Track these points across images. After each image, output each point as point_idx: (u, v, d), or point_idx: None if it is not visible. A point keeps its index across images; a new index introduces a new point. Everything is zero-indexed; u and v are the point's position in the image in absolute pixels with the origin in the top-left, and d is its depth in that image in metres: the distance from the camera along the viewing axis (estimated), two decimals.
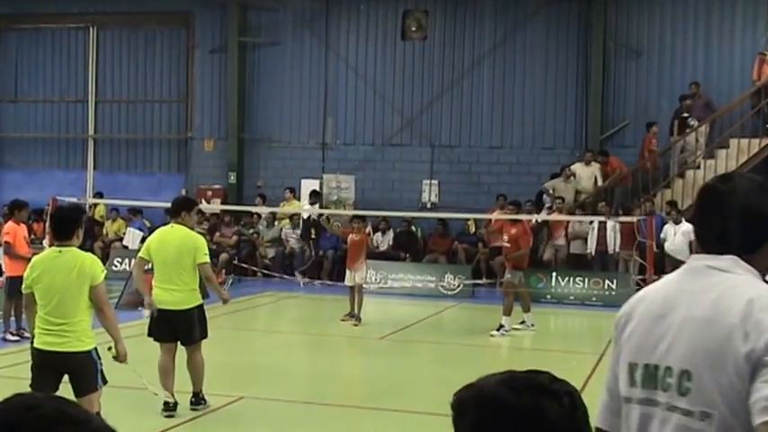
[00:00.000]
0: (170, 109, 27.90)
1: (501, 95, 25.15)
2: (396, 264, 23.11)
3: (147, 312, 10.42)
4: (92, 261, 8.08)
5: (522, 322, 17.18)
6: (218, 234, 24.06)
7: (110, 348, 8.17)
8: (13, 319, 14.95)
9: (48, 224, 19.24)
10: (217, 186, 26.57)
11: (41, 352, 7.97)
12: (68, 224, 8.10)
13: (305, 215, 24.30)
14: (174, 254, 10.39)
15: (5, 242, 15.03)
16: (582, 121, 24.72)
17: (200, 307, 10.59)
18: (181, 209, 10.77)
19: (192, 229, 10.73)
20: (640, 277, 20.19)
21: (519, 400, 1.96)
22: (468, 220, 23.79)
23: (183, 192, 26.50)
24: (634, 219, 18.90)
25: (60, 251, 7.99)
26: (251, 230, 24.80)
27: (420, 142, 25.62)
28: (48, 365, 7.98)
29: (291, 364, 15.20)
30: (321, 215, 23.72)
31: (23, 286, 8.24)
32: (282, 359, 15.03)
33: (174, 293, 10.37)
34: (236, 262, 23.48)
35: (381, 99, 25.88)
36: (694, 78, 23.64)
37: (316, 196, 24.67)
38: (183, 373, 10.63)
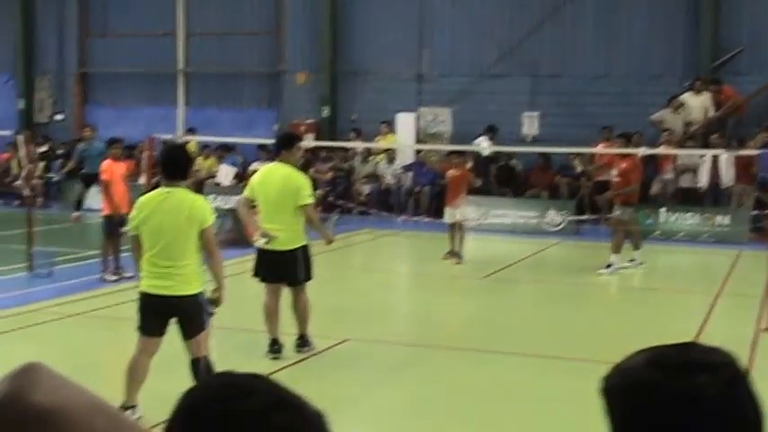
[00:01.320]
0: (261, 42, 27.45)
1: (605, 21, 24.12)
2: (496, 199, 22.50)
3: (262, 240, 10.00)
4: (202, 203, 7.86)
5: (632, 260, 16.64)
6: (312, 170, 23.61)
7: (214, 291, 7.83)
8: (111, 258, 14.71)
9: (145, 164, 19.06)
10: (310, 121, 26.09)
11: (149, 296, 7.80)
12: (181, 164, 7.88)
13: (485, 152, 23.30)
14: (276, 194, 10.01)
15: (103, 180, 14.75)
16: (692, 48, 23.56)
17: (305, 247, 10.22)
18: (279, 147, 10.37)
19: (295, 166, 10.25)
20: (756, 212, 19.33)
21: (671, 382, 1.70)
22: (570, 155, 22.95)
23: (276, 127, 26.12)
24: (754, 152, 17.92)
25: (169, 192, 7.72)
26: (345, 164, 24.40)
27: (520, 72, 24.76)
28: (155, 309, 7.82)
29: (394, 304, 14.87)
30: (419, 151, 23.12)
31: (130, 227, 8.03)
32: (385, 299, 14.71)
33: (277, 233, 10.02)
34: (331, 198, 23.06)
35: (479, 27, 25.02)
36: None
37: (491, 131, 23.70)
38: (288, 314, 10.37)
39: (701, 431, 1.68)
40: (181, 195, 7.68)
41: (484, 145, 22.86)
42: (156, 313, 7.80)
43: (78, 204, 22.45)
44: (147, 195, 8.08)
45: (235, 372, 1.61)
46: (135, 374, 7.87)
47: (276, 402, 1.53)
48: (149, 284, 7.74)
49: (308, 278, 10.32)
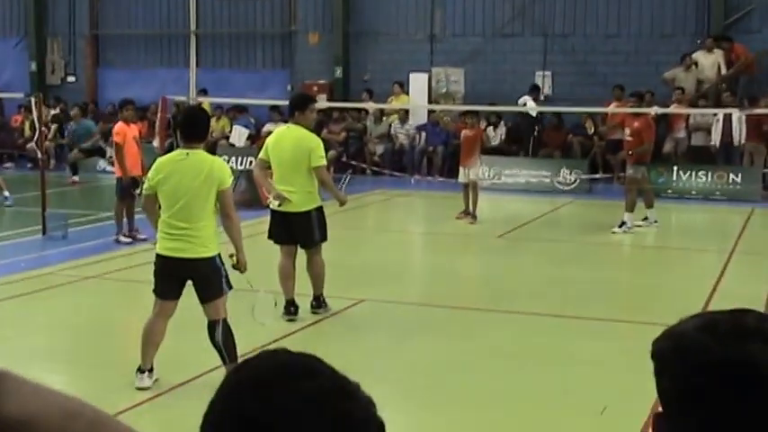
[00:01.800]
0: (273, 2, 27.30)
1: None
2: (509, 159, 22.50)
3: (276, 202, 10.04)
4: (220, 164, 7.87)
5: (645, 218, 16.64)
6: (325, 131, 23.61)
7: (231, 256, 7.83)
8: (125, 220, 14.75)
9: (159, 125, 19.08)
10: (322, 81, 26.01)
11: (165, 258, 7.75)
12: (200, 126, 7.94)
13: (533, 113, 23.05)
14: (290, 155, 10.01)
15: (116, 143, 14.78)
16: (704, 6, 23.36)
17: (320, 209, 10.24)
18: (293, 108, 10.36)
19: (309, 128, 10.25)
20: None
21: (724, 348, 1.66)
22: (583, 114, 22.86)
23: (289, 88, 26.09)
24: (767, 111, 17.85)
25: (188, 153, 7.72)
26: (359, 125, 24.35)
27: (532, 32, 24.58)
28: (172, 272, 7.78)
29: (409, 264, 14.91)
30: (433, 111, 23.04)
31: (145, 187, 8.01)
32: (400, 260, 14.73)
33: (291, 195, 10.03)
34: (344, 159, 23.07)
35: None
36: None
37: (536, 91, 23.42)
38: (304, 275, 10.38)
39: (751, 398, 1.63)
40: (200, 157, 7.69)
41: (530, 105, 22.78)
42: (172, 276, 7.75)
43: (75, 169, 22.61)
44: (165, 156, 8.09)
45: (282, 351, 1.56)
46: (151, 337, 7.85)
47: (341, 387, 1.49)
48: (165, 247, 7.71)
49: (323, 239, 10.34)
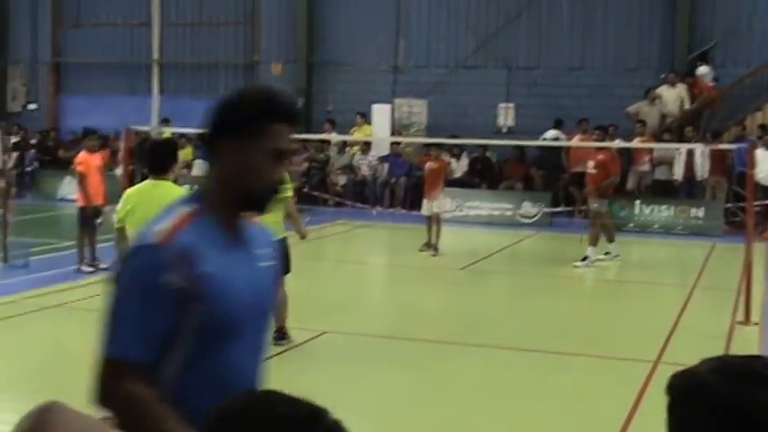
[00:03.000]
0: (236, 32, 27.33)
1: (582, 14, 24.11)
2: (471, 191, 22.53)
3: None
4: None
5: (607, 253, 16.67)
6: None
7: None
8: (87, 249, 14.65)
9: (122, 155, 18.89)
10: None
11: None
12: (165, 158, 8.09)
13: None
14: None
15: (79, 172, 14.68)
16: (668, 41, 23.62)
17: (284, 240, 10.14)
18: None
19: None
20: (732, 206, 19.44)
21: (730, 389, 1.72)
22: (545, 147, 22.98)
23: None
24: (731, 146, 18.01)
25: (155, 184, 7.87)
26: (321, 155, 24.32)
27: (496, 64, 24.75)
28: None
29: (372, 296, 14.87)
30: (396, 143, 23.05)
31: (116, 219, 8.16)
32: (362, 292, 14.70)
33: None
34: (306, 190, 23.00)
35: (455, 19, 24.99)
36: None
37: (559, 125, 23.12)
38: None
39: None
40: (167, 188, 7.80)
41: (551, 133, 22.86)
42: None
43: None
44: (133, 188, 8.26)
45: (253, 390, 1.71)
46: None
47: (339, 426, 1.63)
48: None
49: (287, 271, 10.29)
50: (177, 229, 2.89)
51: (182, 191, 7.99)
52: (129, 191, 8.17)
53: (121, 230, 8.04)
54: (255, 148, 2.93)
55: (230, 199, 2.99)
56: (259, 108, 2.94)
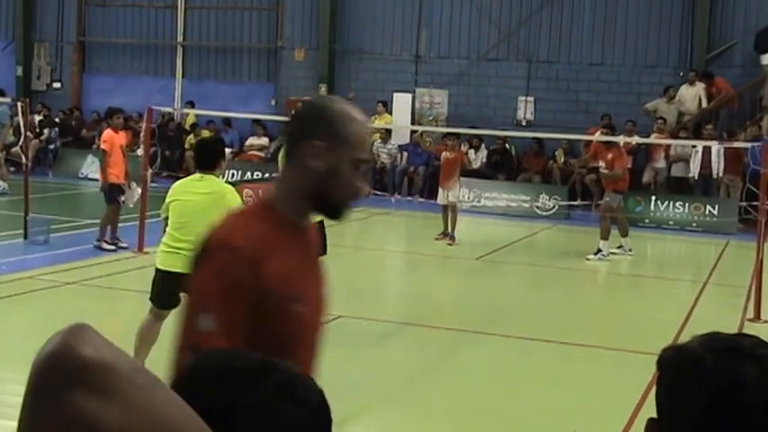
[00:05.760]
0: (260, 16, 27.47)
1: (603, 9, 24.16)
2: (489, 182, 22.67)
3: None
4: (231, 191, 8.22)
5: (620, 247, 16.79)
6: None
7: None
8: (109, 227, 14.84)
9: (143, 135, 19.15)
10: (307, 98, 26.07)
11: (165, 273, 8.08)
12: (213, 155, 8.37)
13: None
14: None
15: (103, 149, 14.88)
16: (687, 39, 23.69)
17: (321, 222, 10.27)
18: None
19: None
20: (745, 204, 19.52)
21: (715, 362, 1.76)
22: (562, 142, 23.07)
23: (273, 102, 26.23)
24: (746, 144, 18.10)
25: (201, 177, 8.20)
26: None
27: (517, 57, 24.86)
28: (172, 287, 7.92)
29: (388, 283, 15.04)
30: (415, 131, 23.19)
31: (162, 209, 8.43)
32: (378, 278, 14.85)
33: None
34: None
35: (478, 11, 25.08)
36: None
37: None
38: None
39: (734, 414, 1.73)
40: (211, 181, 8.12)
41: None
42: (172, 290, 7.90)
43: None
44: (181, 180, 8.63)
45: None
46: (147, 336, 8.13)
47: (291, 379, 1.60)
48: (162, 261, 8.10)
49: (323, 253, 10.40)
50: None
51: (227, 186, 8.40)
52: (176, 183, 8.50)
53: (167, 221, 8.29)
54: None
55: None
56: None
